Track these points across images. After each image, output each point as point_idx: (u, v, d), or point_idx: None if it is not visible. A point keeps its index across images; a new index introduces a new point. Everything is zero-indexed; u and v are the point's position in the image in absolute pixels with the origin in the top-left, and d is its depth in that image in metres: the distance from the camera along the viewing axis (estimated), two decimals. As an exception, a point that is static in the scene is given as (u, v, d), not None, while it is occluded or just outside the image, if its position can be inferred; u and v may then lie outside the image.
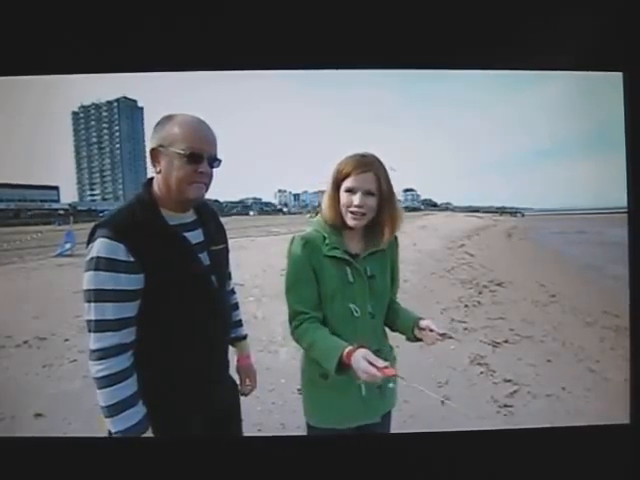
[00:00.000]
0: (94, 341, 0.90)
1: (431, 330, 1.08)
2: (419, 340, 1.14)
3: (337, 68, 1.37)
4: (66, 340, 3.52)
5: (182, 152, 0.93)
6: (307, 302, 1.10)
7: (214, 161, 0.98)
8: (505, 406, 2.44)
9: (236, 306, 1.26)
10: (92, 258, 0.89)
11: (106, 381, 0.89)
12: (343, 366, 0.97)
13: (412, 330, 1.13)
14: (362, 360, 0.93)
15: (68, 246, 8.57)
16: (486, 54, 1.33)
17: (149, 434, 0.93)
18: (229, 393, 1.17)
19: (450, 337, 1.06)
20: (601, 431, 1.36)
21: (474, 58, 1.34)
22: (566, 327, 3.92)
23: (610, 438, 1.33)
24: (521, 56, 1.33)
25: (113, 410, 0.89)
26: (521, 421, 2.26)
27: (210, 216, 1.10)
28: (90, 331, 0.91)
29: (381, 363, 0.93)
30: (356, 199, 1.06)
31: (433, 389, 2.62)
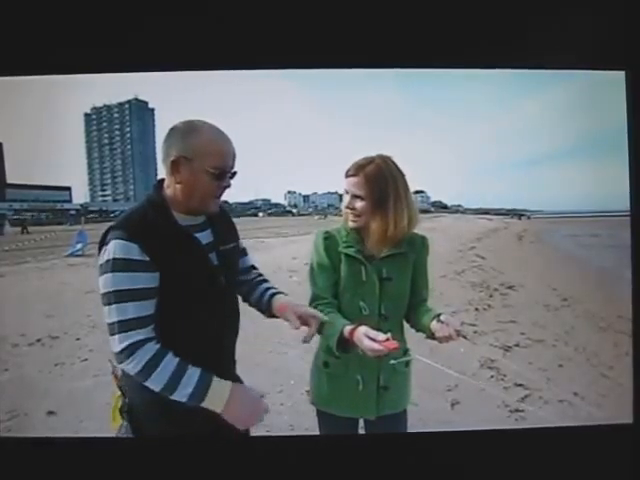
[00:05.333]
0: (119, 342, 0.90)
1: (448, 324, 1.05)
2: (433, 336, 1.09)
3: (346, 67, 1.38)
4: (77, 339, 3.57)
5: (213, 171, 0.95)
6: (325, 289, 1.14)
7: (233, 174, 1.01)
8: (516, 411, 2.41)
9: (261, 281, 1.20)
10: (108, 260, 0.90)
11: (147, 370, 0.89)
12: (346, 344, 1.02)
13: (430, 322, 1.10)
14: (364, 338, 0.97)
15: (79, 246, 8.68)
16: (489, 53, 1.33)
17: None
18: None
19: (464, 337, 1.06)
20: (604, 431, 1.35)
21: (477, 57, 1.34)
22: (579, 331, 3.86)
23: (613, 438, 1.32)
24: (524, 55, 1.33)
25: (170, 388, 0.90)
26: (532, 426, 2.23)
27: (220, 215, 1.10)
28: (114, 334, 0.90)
29: (382, 337, 0.96)
30: (345, 201, 1.13)
31: (442, 393, 2.60)
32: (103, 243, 0.93)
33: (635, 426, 1.33)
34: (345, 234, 1.16)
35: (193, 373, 0.91)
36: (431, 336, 1.11)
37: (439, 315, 1.10)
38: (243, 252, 1.21)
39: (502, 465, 1.32)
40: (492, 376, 2.88)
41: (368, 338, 0.97)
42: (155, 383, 0.90)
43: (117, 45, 1.28)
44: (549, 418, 2.33)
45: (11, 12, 1.22)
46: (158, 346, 0.91)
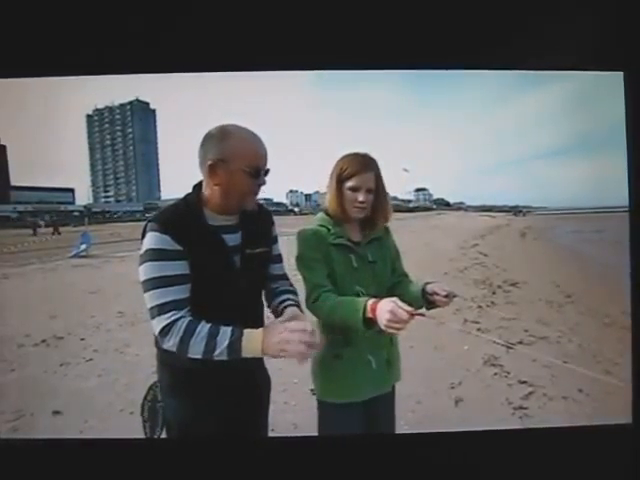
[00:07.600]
0: (157, 324, 0.95)
1: (437, 294, 1.16)
2: (433, 304, 1.19)
3: (346, 69, 1.39)
4: (82, 339, 3.60)
5: (249, 170, 1.01)
6: (324, 278, 1.19)
7: (267, 172, 1.06)
8: (520, 408, 2.40)
9: (284, 291, 1.20)
10: (146, 251, 0.98)
11: (185, 341, 0.93)
12: (368, 320, 1.04)
13: (423, 298, 1.20)
14: (390, 302, 0.99)
15: (83, 247, 8.75)
16: (488, 54, 1.34)
17: None
18: (254, 390, 1.18)
19: (455, 296, 1.16)
20: (603, 431, 1.35)
21: (477, 58, 1.35)
22: (583, 328, 3.84)
23: (612, 438, 1.32)
24: (522, 56, 1.34)
25: (210, 349, 0.93)
26: (537, 423, 2.22)
27: (256, 219, 1.12)
28: (154, 317, 0.96)
29: (410, 309, 0.98)
30: (360, 196, 1.20)
31: (446, 390, 2.60)
32: (142, 236, 1.00)
33: (635, 426, 1.33)
34: (331, 227, 1.23)
35: (226, 330, 0.94)
36: (428, 306, 1.20)
37: (424, 288, 1.20)
38: (276, 259, 1.22)
39: (500, 464, 1.32)
40: (496, 373, 2.87)
41: (395, 304, 0.98)
42: (196, 350, 0.93)
43: (119, 46, 1.28)
44: (554, 415, 2.32)
45: (13, 13, 1.23)
46: (190, 318, 0.96)
